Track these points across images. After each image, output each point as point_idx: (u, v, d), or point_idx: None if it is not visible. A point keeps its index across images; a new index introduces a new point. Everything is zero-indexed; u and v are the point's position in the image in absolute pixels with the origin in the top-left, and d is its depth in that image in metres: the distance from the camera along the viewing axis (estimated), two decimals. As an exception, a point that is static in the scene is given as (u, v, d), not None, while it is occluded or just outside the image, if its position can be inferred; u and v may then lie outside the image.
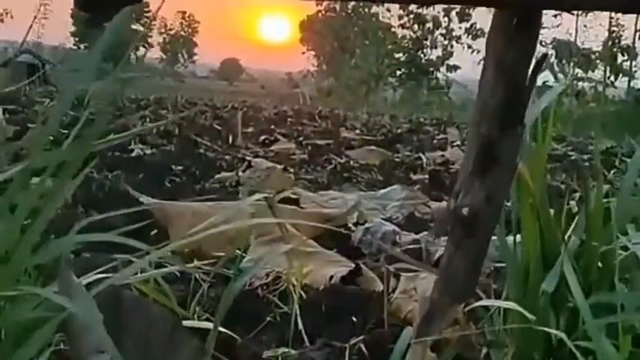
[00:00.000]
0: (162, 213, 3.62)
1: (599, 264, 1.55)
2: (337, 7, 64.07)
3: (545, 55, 1.27)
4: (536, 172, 1.54)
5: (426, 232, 3.87)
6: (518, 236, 1.69)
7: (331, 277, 2.75)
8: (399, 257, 2.68)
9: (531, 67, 1.26)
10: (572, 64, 31.50)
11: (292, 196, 5.05)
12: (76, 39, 79.28)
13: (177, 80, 78.55)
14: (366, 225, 3.87)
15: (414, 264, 2.61)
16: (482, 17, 35.12)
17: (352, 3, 62.64)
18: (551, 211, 1.73)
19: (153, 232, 3.50)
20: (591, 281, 1.52)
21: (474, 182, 1.32)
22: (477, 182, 1.32)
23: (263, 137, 10.80)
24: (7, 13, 71.51)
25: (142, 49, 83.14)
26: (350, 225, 4.18)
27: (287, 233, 2.93)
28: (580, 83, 32.67)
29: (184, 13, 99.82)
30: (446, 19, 38.38)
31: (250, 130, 12.02)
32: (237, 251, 2.73)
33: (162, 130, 10.57)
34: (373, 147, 9.80)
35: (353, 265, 2.90)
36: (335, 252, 3.31)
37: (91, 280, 1.56)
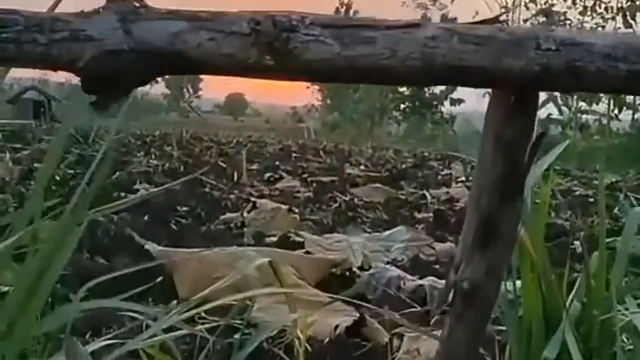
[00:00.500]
0: (168, 260, 3.64)
1: (600, 331, 1.56)
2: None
3: (543, 134, 1.29)
4: (537, 239, 1.56)
5: (431, 277, 3.88)
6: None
7: (336, 327, 2.76)
8: (401, 323, 2.68)
9: (531, 142, 1.28)
10: (575, 97, 31.50)
11: (297, 239, 5.06)
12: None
13: (183, 115, 78.83)
14: (371, 270, 3.89)
15: (416, 330, 2.62)
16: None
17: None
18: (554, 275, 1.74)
19: (159, 279, 3.51)
20: (592, 348, 1.53)
21: (474, 255, 1.34)
22: (477, 255, 1.34)
23: (268, 175, 10.83)
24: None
25: (147, 86, 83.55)
26: (355, 269, 4.19)
27: (291, 283, 2.94)
28: (584, 116, 32.64)
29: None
30: (449, 53, 38.40)
31: (255, 167, 12.06)
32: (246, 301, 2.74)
33: (167, 169, 10.61)
34: (378, 184, 9.81)
35: (357, 315, 2.90)
36: (339, 299, 3.32)
37: (99, 347, 1.57)
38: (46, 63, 1.14)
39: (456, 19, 38.53)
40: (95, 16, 1.12)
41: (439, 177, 12.70)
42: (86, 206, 1.56)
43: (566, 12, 31.76)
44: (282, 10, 1.11)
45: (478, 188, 1.31)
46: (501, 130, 1.24)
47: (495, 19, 1.20)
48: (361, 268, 4.21)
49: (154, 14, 1.14)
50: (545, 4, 32.37)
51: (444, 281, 3.81)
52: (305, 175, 11.25)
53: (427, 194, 9.19)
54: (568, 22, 31.61)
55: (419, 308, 3.37)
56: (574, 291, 1.79)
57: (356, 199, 8.47)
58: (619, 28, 30.10)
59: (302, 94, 76.34)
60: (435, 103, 40.18)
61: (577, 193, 11.15)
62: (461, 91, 39.07)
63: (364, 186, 9.80)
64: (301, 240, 4.91)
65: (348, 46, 1.12)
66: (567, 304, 1.68)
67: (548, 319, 1.59)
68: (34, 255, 1.49)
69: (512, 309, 1.71)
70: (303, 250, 4.61)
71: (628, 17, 29.76)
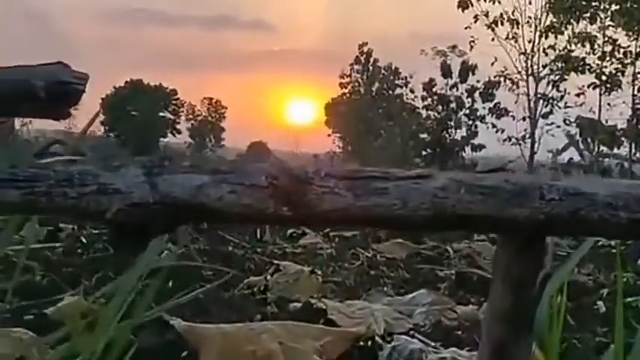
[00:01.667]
0: (193, 336, 3.69)
1: None
2: (362, 89, 64.84)
3: (548, 275, 1.34)
4: (551, 357, 1.58)
5: (453, 348, 3.90)
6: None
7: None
8: None
9: (539, 278, 1.32)
10: (596, 141, 31.44)
11: (320, 304, 5.10)
12: (106, 127, 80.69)
13: (205, 164, 79.26)
14: (393, 343, 3.91)
15: None
16: (506, 98, 35.30)
17: (376, 85, 63.59)
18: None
19: (184, 354, 3.57)
20: None
21: (488, 382, 1.38)
22: (491, 382, 1.37)
23: (290, 231, 10.88)
24: (39, 105, 73.24)
25: (170, 136, 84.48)
26: (377, 338, 4.21)
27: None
28: (606, 160, 32.52)
29: (211, 99, 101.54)
30: (469, 99, 38.62)
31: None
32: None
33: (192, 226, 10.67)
34: (399, 239, 9.83)
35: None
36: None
37: None
38: (76, 214, 1.21)
39: (476, 66, 38.73)
40: (123, 169, 1.19)
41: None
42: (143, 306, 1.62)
43: (585, 57, 31.84)
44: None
45: (490, 317, 1.36)
46: (509, 268, 1.29)
47: (501, 169, 1.25)
48: (383, 337, 4.23)
49: (177, 167, 1.21)
50: (564, 49, 32.46)
51: (466, 352, 3.84)
52: (327, 230, 11.29)
53: (449, 249, 9.21)
54: (587, 67, 31.69)
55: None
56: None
57: (378, 256, 8.50)
58: (638, 72, 30.14)
59: (324, 142, 76.86)
60: (456, 149, 40.20)
61: (600, 243, 11.09)
62: (482, 137, 39.12)
63: (386, 241, 9.83)
64: (324, 307, 4.94)
65: (362, 197, 1.18)
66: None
67: None
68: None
69: None
70: (326, 318, 4.64)
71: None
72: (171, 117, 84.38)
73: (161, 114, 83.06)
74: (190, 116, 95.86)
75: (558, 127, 33.40)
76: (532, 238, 1.29)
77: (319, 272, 6.75)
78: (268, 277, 6.31)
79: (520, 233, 1.27)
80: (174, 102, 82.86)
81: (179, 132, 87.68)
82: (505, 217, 1.19)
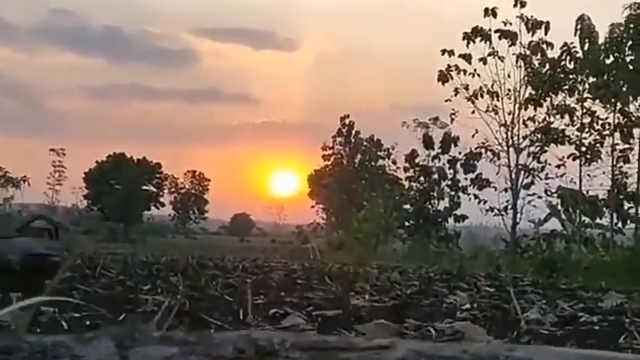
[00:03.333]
0: None
1: None
2: (344, 161, 65.30)
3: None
4: None
5: None
6: None
7: None
8: None
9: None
10: (578, 211, 31.72)
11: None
12: (89, 201, 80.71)
13: (189, 237, 79.16)
14: None
15: None
16: (488, 169, 35.67)
17: (359, 157, 63.98)
18: None
19: None
20: None
21: None
22: None
23: (273, 311, 10.84)
24: (24, 181, 73.36)
25: (153, 209, 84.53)
26: None
27: None
28: (588, 230, 32.77)
29: (195, 172, 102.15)
30: (451, 170, 38.98)
31: (260, 300, 12.08)
32: None
33: (172, 305, 10.63)
34: (382, 320, 9.81)
35: None
36: None
37: None
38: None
39: (457, 137, 39.26)
40: (95, 341, 1.25)
41: (444, 305, 12.71)
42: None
43: (564, 129, 32.36)
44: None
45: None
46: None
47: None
48: None
49: (148, 339, 1.28)
50: (543, 121, 32.99)
51: None
52: (310, 308, 11.26)
53: (431, 329, 9.19)
54: (567, 138, 32.17)
55: None
56: None
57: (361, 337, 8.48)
58: (617, 143, 30.61)
59: (308, 213, 77.14)
60: (439, 220, 40.39)
61: (582, 319, 11.11)
62: (464, 207, 39.40)
63: (369, 322, 9.80)
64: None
65: (326, 368, 1.24)
66: None
67: None
68: None
69: None
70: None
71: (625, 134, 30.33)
72: (155, 190, 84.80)
73: (145, 187, 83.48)
74: (173, 189, 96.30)
75: (540, 197, 33.81)
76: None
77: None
78: None
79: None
80: (158, 175, 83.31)
81: (162, 205, 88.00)
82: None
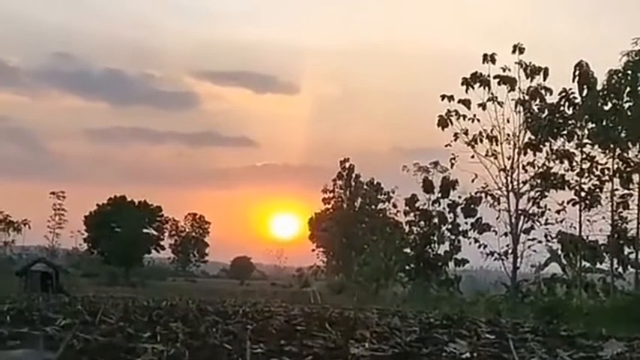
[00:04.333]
0: None
1: None
2: (345, 204, 65.30)
3: None
4: None
5: None
6: None
7: None
8: None
9: None
10: (578, 256, 31.72)
11: None
12: (89, 244, 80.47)
13: (189, 280, 78.91)
14: None
15: None
16: (488, 213, 35.70)
17: (359, 200, 63.85)
18: None
19: None
20: None
21: None
22: None
23: None
24: (25, 224, 73.29)
25: (153, 252, 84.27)
26: None
27: None
28: (589, 274, 32.73)
29: (195, 214, 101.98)
30: (451, 215, 39.05)
31: (260, 349, 12.06)
32: None
33: (172, 355, 10.62)
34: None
35: None
36: None
37: None
38: None
39: (457, 181, 39.34)
40: None
41: (444, 354, 12.69)
42: None
43: (564, 174, 32.47)
44: None
45: None
46: None
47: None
48: None
49: None
50: (543, 166, 33.12)
51: None
52: (310, 358, 11.25)
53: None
54: (566, 183, 32.27)
55: None
56: None
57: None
58: (616, 189, 30.69)
59: (308, 256, 77.02)
60: (439, 264, 40.34)
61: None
62: (465, 252, 39.28)
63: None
64: None
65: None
66: None
67: None
68: None
69: None
70: None
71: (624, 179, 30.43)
72: (156, 233, 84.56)
73: (145, 230, 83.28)
74: (174, 232, 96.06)
75: (540, 242, 33.81)
76: None
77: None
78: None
79: None
80: (158, 218, 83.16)
81: (163, 248, 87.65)
82: None
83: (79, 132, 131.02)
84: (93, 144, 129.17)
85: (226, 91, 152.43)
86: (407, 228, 42.50)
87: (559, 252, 33.75)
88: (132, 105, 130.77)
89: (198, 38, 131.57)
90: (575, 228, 31.88)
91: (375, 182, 61.99)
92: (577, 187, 31.81)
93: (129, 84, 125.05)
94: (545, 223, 33.21)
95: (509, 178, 33.94)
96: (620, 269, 31.17)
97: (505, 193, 34.05)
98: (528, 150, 33.48)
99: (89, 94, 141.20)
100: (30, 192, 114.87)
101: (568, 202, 32.05)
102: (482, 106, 33.97)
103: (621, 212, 30.86)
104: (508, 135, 33.88)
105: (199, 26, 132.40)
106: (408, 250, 41.93)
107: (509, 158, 33.94)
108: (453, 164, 36.30)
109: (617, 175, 30.61)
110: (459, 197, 38.69)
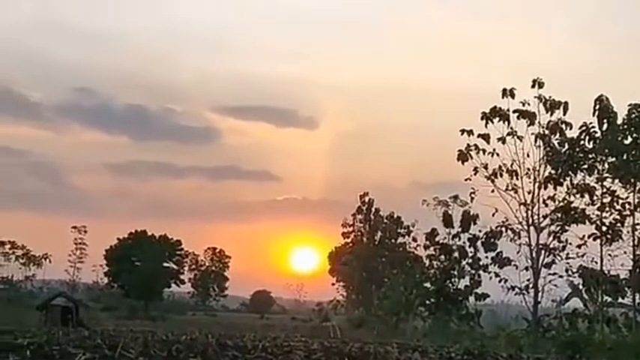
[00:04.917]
0: None
1: None
2: (364, 238, 65.28)
3: None
4: None
5: None
6: None
7: None
8: None
9: None
10: (600, 291, 31.48)
11: None
12: (110, 278, 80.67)
13: (209, 314, 78.78)
14: None
15: None
16: (508, 247, 35.53)
17: (379, 234, 63.83)
18: None
19: None
20: None
21: None
22: None
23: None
24: (45, 258, 73.83)
25: (173, 286, 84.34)
26: None
27: None
28: (610, 309, 32.45)
29: (215, 249, 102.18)
30: (472, 249, 38.93)
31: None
32: None
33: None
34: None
35: None
36: None
37: None
38: None
39: (477, 215, 39.24)
40: None
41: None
42: None
43: (584, 209, 32.32)
44: None
45: None
46: None
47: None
48: None
49: None
50: (563, 200, 33.00)
51: None
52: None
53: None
54: (587, 217, 32.10)
55: None
56: None
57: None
58: (638, 223, 30.49)
59: (328, 290, 76.83)
60: (460, 298, 40.12)
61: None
62: (485, 286, 39.08)
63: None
64: None
65: None
66: None
67: None
68: None
69: None
70: None
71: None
72: (175, 267, 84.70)
73: (165, 264, 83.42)
74: (194, 266, 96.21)
75: (561, 276, 33.55)
76: None
77: None
78: None
79: None
80: (178, 252, 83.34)
81: (183, 282, 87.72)
82: None
83: (100, 166, 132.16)
84: (114, 178, 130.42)
85: (248, 125, 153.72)
86: (427, 262, 42.36)
87: (580, 287, 33.52)
88: (153, 139, 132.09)
89: (220, 73, 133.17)
90: (596, 262, 31.66)
91: (394, 216, 61.98)
92: (598, 222, 31.64)
93: (150, 119, 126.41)
94: (566, 258, 32.97)
95: (529, 212, 33.81)
96: (642, 303, 30.89)
97: (526, 227, 33.91)
98: (549, 184, 33.37)
99: (110, 128, 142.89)
100: (51, 226, 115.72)
101: (589, 237, 31.87)
102: (502, 140, 33.96)
103: (643, 247, 30.64)
104: (528, 169, 33.84)
105: (221, 61, 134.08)
106: (428, 285, 41.76)
107: (529, 192, 33.86)
108: (472, 198, 36.22)
109: (638, 209, 30.46)
110: (480, 231, 38.58)
